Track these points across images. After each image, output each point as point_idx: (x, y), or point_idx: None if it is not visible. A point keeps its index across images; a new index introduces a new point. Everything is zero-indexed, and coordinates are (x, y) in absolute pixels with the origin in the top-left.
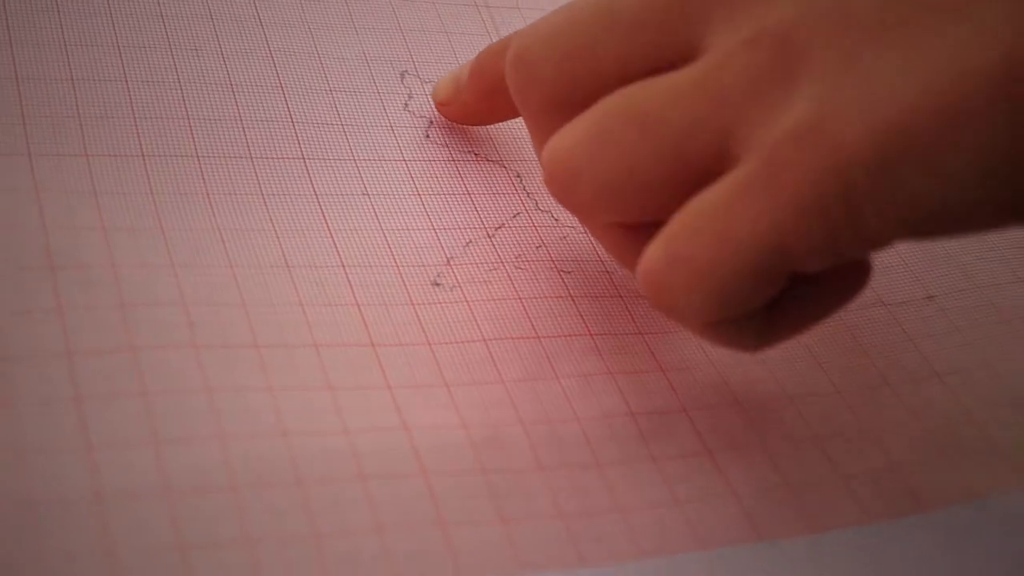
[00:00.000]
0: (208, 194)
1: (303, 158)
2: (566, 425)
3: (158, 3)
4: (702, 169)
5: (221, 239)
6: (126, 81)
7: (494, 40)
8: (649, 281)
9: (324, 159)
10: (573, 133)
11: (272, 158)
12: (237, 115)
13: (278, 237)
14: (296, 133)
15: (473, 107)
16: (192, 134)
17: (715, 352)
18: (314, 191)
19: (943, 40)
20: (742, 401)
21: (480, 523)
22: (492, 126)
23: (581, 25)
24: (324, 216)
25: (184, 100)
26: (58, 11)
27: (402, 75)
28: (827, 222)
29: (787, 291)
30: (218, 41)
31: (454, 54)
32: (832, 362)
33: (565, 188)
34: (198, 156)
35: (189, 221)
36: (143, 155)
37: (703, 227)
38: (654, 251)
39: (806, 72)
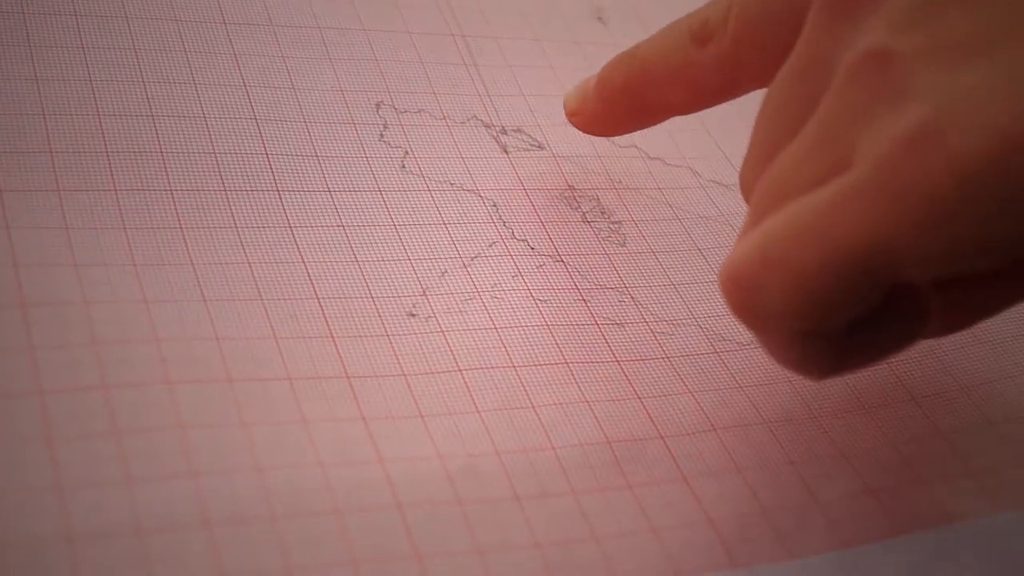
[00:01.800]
0: (181, 228)
1: (277, 190)
2: (542, 454)
3: (131, 35)
4: None
5: (194, 273)
6: (98, 115)
7: (470, 70)
8: (739, 281)
9: (299, 191)
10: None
11: (246, 191)
12: (211, 148)
13: (252, 270)
14: (271, 165)
15: (597, 115)
16: (166, 168)
17: (691, 380)
18: (288, 223)
19: None
20: (718, 428)
21: (456, 554)
22: (470, 157)
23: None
24: (299, 248)
25: (157, 133)
26: (29, 45)
27: (377, 106)
28: (942, 227)
29: (865, 319)
30: (191, 73)
31: (430, 84)
32: (807, 387)
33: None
34: (171, 190)
35: (162, 256)
36: (116, 190)
37: (804, 229)
38: (747, 251)
39: (912, 84)
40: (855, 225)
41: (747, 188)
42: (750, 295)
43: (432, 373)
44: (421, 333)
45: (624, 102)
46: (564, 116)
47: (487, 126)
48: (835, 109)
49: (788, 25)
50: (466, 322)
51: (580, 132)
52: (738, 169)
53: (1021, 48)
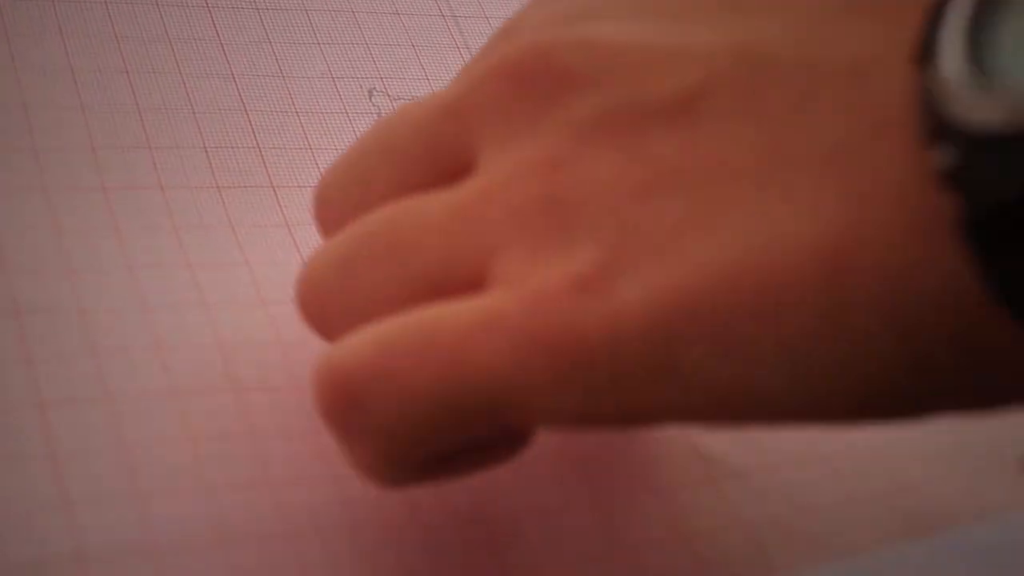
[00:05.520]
0: (175, 228)
1: (272, 186)
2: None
3: (112, 24)
4: (459, 294)
5: (193, 276)
6: (82, 108)
7: (463, 54)
8: (339, 386)
9: (294, 186)
10: (325, 255)
11: (240, 187)
12: (201, 142)
13: (252, 271)
14: (263, 159)
15: None
16: (155, 163)
17: None
18: (285, 220)
19: (751, 209)
20: None
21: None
22: None
23: (363, 153)
24: (298, 248)
25: (144, 127)
26: (7, 35)
27: (370, 93)
28: (584, 382)
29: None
30: (176, 63)
31: (422, 69)
32: None
33: (316, 315)
34: (162, 187)
35: (158, 257)
36: (104, 188)
37: (432, 348)
38: (357, 353)
39: (586, 215)
40: (490, 360)
41: (327, 202)
42: (348, 405)
43: None
44: None
45: None
46: None
47: None
48: (485, 205)
49: None
50: None
51: None
52: None
53: (722, 188)
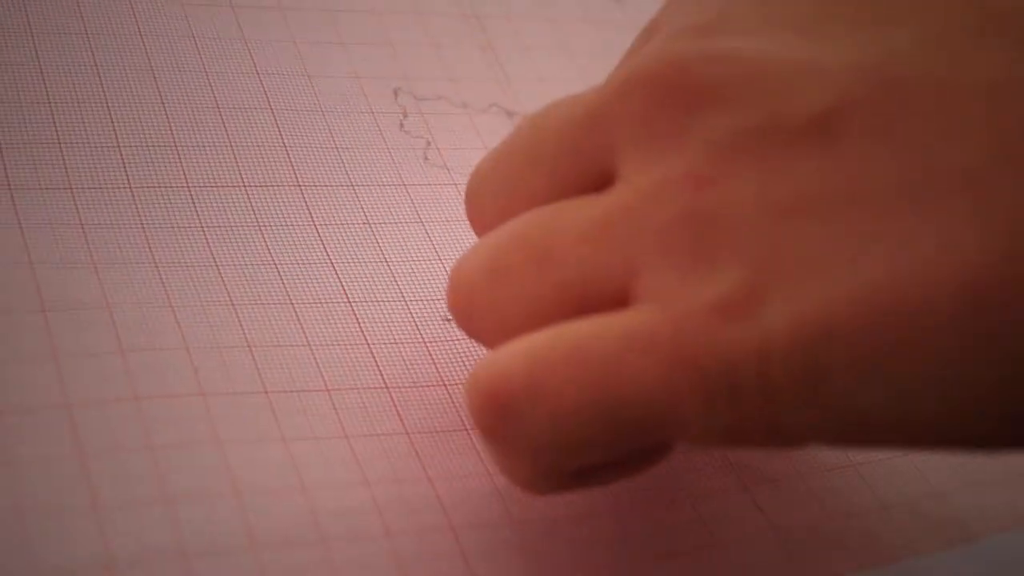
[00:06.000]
0: (203, 227)
1: (299, 185)
2: None
3: (136, 22)
4: (605, 305)
5: (219, 274)
6: (107, 105)
7: (486, 54)
8: (497, 404)
9: (320, 185)
10: (475, 259)
11: (266, 185)
12: (227, 140)
13: (279, 271)
14: (290, 158)
15: None
16: (181, 162)
17: None
18: (312, 220)
19: (892, 236)
20: None
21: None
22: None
23: (512, 158)
24: (325, 247)
25: (170, 125)
26: (31, 31)
27: (395, 92)
28: (731, 403)
29: None
30: (201, 61)
31: (447, 69)
32: None
33: (465, 316)
34: (189, 186)
35: (184, 256)
36: (131, 186)
37: (584, 367)
38: (510, 369)
39: (729, 235)
40: (640, 380)
41: (477, 202)
42: (505, 422)
43: None
44: (458, 340)
45: None
46: None
47: (509, 114)
48: (632, 219)
49: None
50: None
51: None
52: None
53: (868, 217)
